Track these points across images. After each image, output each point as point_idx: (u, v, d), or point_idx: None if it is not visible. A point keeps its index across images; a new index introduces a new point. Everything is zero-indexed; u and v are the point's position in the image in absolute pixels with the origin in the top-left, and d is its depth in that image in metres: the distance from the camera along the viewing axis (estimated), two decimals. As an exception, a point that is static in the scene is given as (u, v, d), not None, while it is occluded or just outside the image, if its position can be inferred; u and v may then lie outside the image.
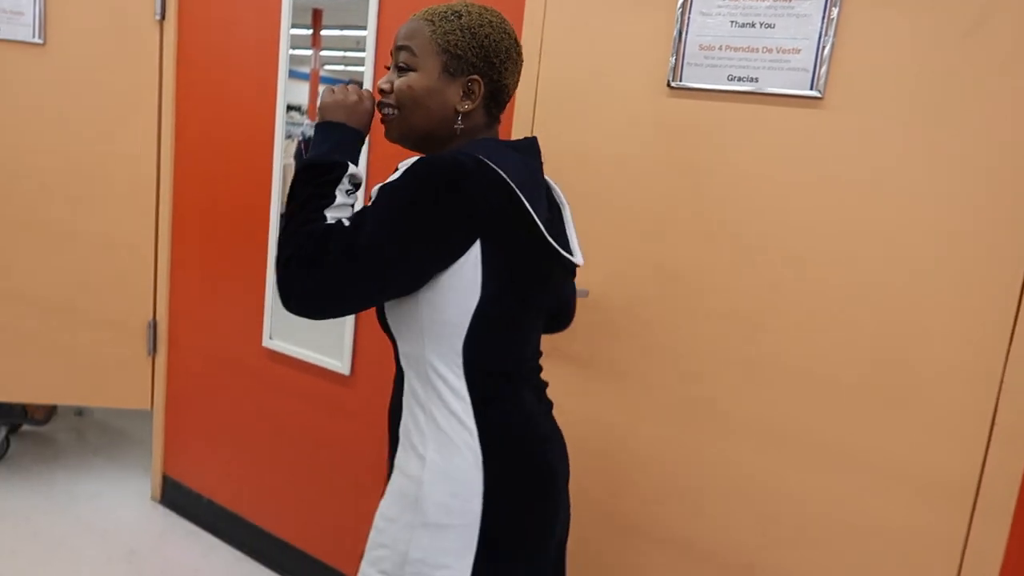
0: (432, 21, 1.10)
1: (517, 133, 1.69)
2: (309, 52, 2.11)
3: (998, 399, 1.23)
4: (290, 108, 2.20)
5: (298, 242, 1.02)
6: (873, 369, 1.33)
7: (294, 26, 2.11)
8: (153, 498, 2.64)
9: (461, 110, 1.11)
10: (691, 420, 1.52)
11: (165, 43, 2.37)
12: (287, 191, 1.13)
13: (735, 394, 1.47)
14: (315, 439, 2.18)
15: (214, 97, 2.31)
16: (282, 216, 1.09)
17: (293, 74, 2.17)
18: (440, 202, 1.00)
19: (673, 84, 1.50)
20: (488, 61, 1.11)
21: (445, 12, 1.11)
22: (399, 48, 1.12)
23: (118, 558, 2.28)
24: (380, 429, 2.00)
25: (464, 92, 1.11)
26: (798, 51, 1.38)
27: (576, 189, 1.57)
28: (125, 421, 3.26)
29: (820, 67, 1.35)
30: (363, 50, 1.96)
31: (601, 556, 1.65)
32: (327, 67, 2.12)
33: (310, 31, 2.12)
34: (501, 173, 1.03)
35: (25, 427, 3.02)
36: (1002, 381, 1.23)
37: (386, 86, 1.13)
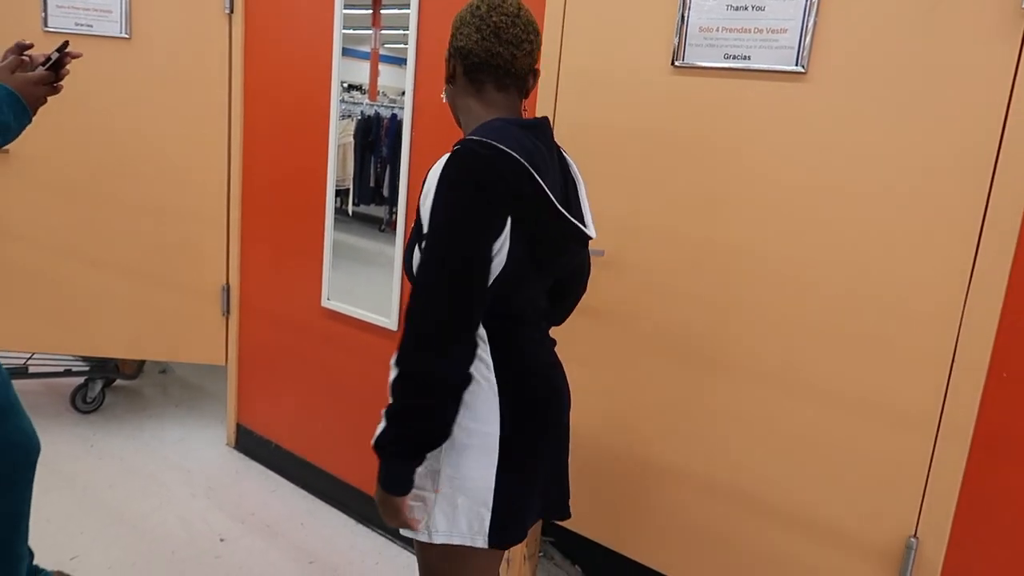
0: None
1: (541, 112, 1.88)
2: (370, 32, 2.30)
3: (957, 338, 1.38)
4: (351, 87, 2.41)
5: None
6: (850, 316, 1.49)
7: (353, 7, 2.31)
8: (228, 444, 2.95)
9: (455, 96, 1.29)
10: (687, 359, 1.70)
11: (233, 34, 2.64)
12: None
13: (726, 337, 1.64)
14: (368, 389, 2.44)
15: (277, 80, 2.56)
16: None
17: (353, 53, 2.37)
18: (475, 204, 1.11)
19: (677, 63, 1.67)
20: (453, 38, 1.26)
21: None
22: None
23: (200, 493, 2.60)
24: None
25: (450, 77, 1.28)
26: (785, 30, 1.53)
27: (594, 159, 1.76)
28: (202, 377, 3.60)
29: (804, 45, 1.51)
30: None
31: (605, 484, 1.86)
32: (387, 45, 2.29)
33: (370, 11, 2.29)
34: (512, 153, 1.12)
35: (117, 382, 3.39)
36: (960, 323, 1.38)
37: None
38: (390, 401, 1.16)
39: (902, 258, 1.43)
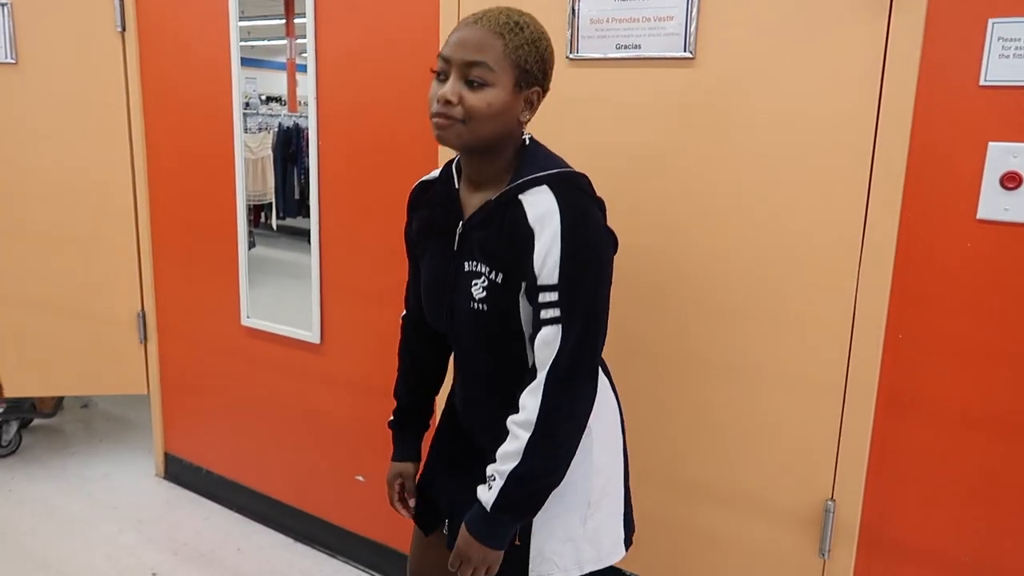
0: (503, 35, 1.10)
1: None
2: (284, 41, 2.25)
3: (855, 306, 1.43)
4: (270, 99, 2.36)
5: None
6: (754, 293, 1.53)
7: (252, 18, 2.24)
8: (157, 474, 2.86)
9: (523, 120, 1.17)
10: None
11: (128, 52, 2.55)
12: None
13: (637, 321, 1.67)
14: (295, 404, 2.40)
15: (177, 98, 2.49)
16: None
17: (270, 64, 2.31)
18: (609, 254, 1.16)
19: (571, 56, 1.69)
20: (546, 73, 1.18)
21: (510, 24, 1.12)
22: (472, 63, 1.10)
23: (128, 528, 2.51)
24: (350, 390, 2.22)
25: (526, 104, 1.16)
26: (671, 17, 1.56)
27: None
28: (127, 409, 3.48)
29: (690, 31, 1.54)
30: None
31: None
32: (303, 55, 2.20)
33: (283, 21, 2.22)
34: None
35: (35, 421, 3.25)
36: (856, 291, 1.43)
37: (454, 98, 1.11)
38: (516, 463, 1.11)
39: (796, 232, 1.47)
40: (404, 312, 1.49)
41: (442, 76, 1.14)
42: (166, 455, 2.83)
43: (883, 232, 1.39)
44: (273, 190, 2.42)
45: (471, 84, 1.11)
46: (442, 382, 1.50)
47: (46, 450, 3.06)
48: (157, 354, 2.75)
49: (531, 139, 1.22)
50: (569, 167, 1.19)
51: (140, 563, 2.31)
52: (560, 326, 1.09)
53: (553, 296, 1.09)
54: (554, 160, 1.19)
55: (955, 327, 1.37)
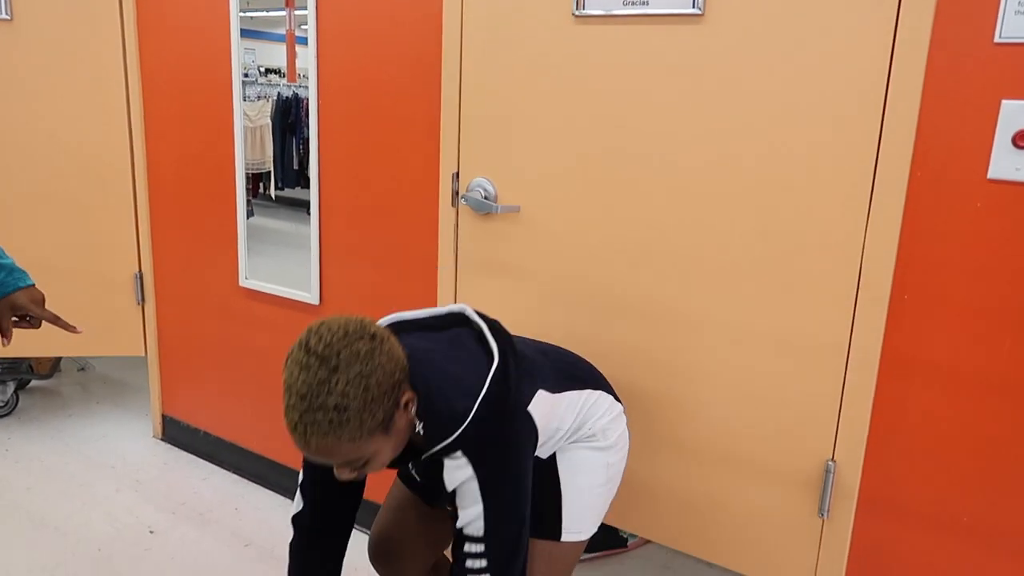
0: (337, 435, 1.05)
1: (448, 82, 1.84)
2: (284, 12, 2.21)
3: (861, 267, 1.42)
4: (268, 71, 2.33)
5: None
6: (760, 255, 1.52)
7: None
8: (154, 436, 2.86)
9: (414, 416, 1.17)
10: (602, 308, 1.71)
11: (125, 10, 2.50)
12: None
13: (639, 284, 1.66)
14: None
15: (176, 61, 2.45)
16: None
17: (268, 36, 2.28)
18: (524, 487, 1.25)
19: (578, 12, 1.66)
20: (394, 397, 1.10)
21: (334, 416, 1.04)
22: (339, 464, 1.12)
23: (126, 488, 2.51)
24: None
25: (405, 411, 1.14)
26: (680, -28, 1.53)
27: (502, 116, 1.75)
28: (124, 372, 3.47)
29: (698, -15, 1.51)
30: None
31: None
32: (303, 27, 2.18)
33: None
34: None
35: (32, 383, 3.24)
36: (863, 252, 1.41)
37: (351, 477, 1.15)
38: None
39: (805, 192, 1.46)
40: (298, 510, 1.41)
41: None
42: (163, 417, 2.83)
43: (891, 191, 1.37)
44: (271, 159, 2.39)
45: (354, 464, 1.13)
46: None
47: (43, 411, 3.05)
48: (155, 316, 2.74)
49: (419, 388, 1.18)
50: (462, 414, 1.18)
51: (138, 522, 2.31)
52: (484, 561, 1.20)
53: (479, 548, 1.20)
54: (453, 402, 1.19)
55: (962, 289, 1.36)
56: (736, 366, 1.58)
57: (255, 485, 2.56)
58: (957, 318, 1.37)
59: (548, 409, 1.32)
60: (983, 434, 1.38)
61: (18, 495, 2.43)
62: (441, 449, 1.19)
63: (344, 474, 1.14)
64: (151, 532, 2.27)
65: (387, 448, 1.14)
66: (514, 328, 1.78)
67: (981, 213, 1.33)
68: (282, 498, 2.48)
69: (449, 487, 1.21)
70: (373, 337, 1.08)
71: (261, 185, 2.41)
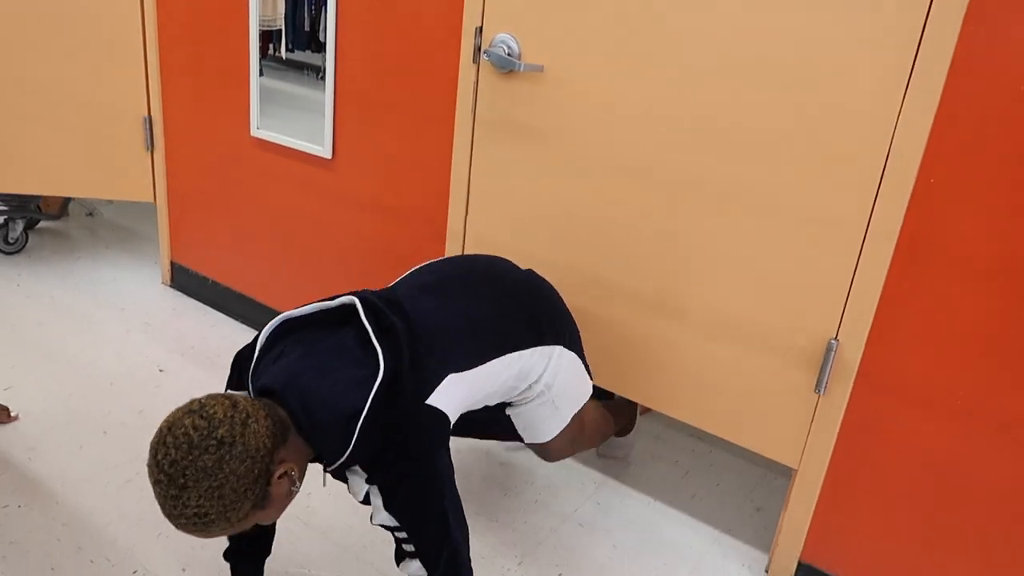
0: (208, 531, 1.07)
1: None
2: None
3: (891, 143, 1.39)
4: None
5: None
6: (785, 124, 1.48)
7: None
8: (163, 282, 2.90)
9: (296, 485, 1.16)
10: (623, 174, 1.69)
11: None
12: None
13: (662, 152, 1.63)
14: (303, 220, 2.39)
15: None
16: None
17: None
18: (433, 483, 1.26)
19: None
20: (256, 478, 1.08)
21: (192, 516, 1.05)
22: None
23: (136, 329, 2.56)
24: (359, 208, 2.20)
25: (287, 481, 1.14)
26: None
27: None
28: (132, 220, 3.48)
29: None
30: None
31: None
32: None
33: None
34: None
35: (41, 224, 3.25)
36: (895, 128, 1.38)
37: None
38: None
39: (840, 61, 1.40)
40: (226, 548, 1.49)
41: None
42: (172, 264, 2.85)
43: (934, 66, 1.32)
44: (282, 16, 2.29)
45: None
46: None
47: (53, 252, 3.07)
48: (164, 162, 2.71)
49: (299, 414, 1.17)
50: (349, 404, 1.17)
51: (147, 360, 2.38)
52: (419, 560, 1.24)
53: (403, 535, 1.23)
54: (337, 424, 1.17)
55: (992, 175, 1.33)
56: (753, 237, 1.57)
57: (262, 335, 2.61)
58: (983, 204, 1.35)
59: (464, 390, 1.32)
60: (990, 324, 1.39)
61: (31, 328, 2.49)
62: (338, 467, 1.21)
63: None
64: (161, 371, 2.33)
65: (271, 513, 1.16)
66: (525, 198, 1.77)
67: (1020, 101, 1.28)
68: (288, 349, 2.54)
69: (356, 497, 1.24)
70: (220, 443, 1.05)
71: (271, 46, 2.32)
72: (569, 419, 1.60)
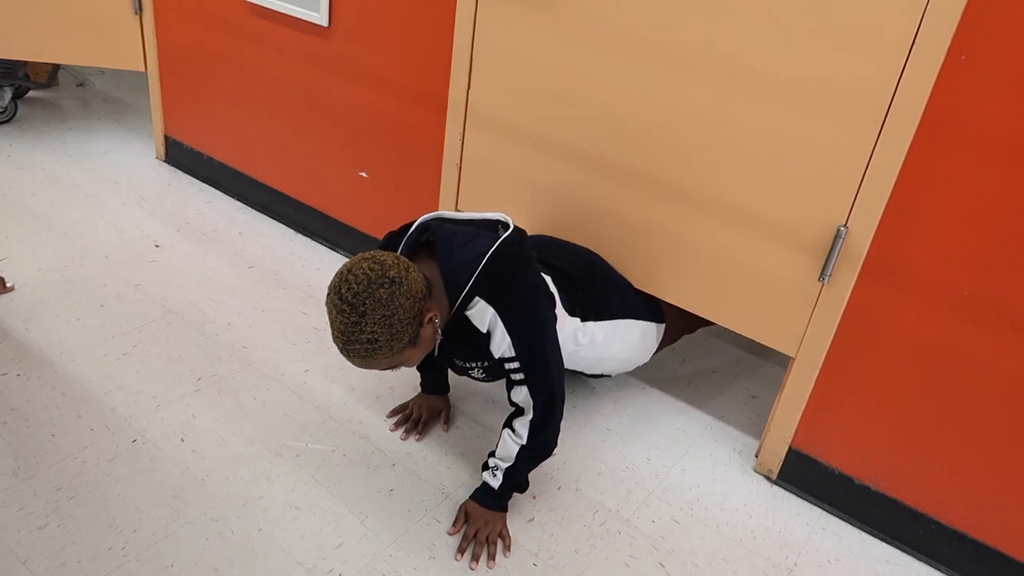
0: (373, 358, 1.30)
1: None
2: None
3: (921, 21, 1.29)
4: None
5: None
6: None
7: None
8: (157, 157, 2.83)
9: (438, 322, 1.38)
10: (640, 55, 1.60)
11: None
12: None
13: (679, 33, 1.53)
14: (299, 92, 2.29)
15: None
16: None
17: None
18: (545, 316, 1.48)
19: None
20: (415, 315, 1.31)
21: (366, 342, 1.28)
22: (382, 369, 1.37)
23: (131, 203, 2.52)
24: (357, 79, 2.11)
25: (428, 327, 1.36)
26: None
27: None
28: (125, 92, 3.37)
29: None
30: None
31: (561, 184, 1.83)
32: None
33: None
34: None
35: (31, 93, 3.15)
36: (927, 5, 1.28)
37: (391, 372, 1.49)
38: (510, 464, 1.48)
39: (879, -77, 1.29)
40: None
41: None
42: (166, 138, 2.78)
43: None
44: None
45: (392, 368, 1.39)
46: None
47: (43, 123, 2.99)
48: (153, 28, 2.58)
49: (436, 254, 1.42)
50: (481, 246, 1.40)
51: (144, 234, 2.34)
52: (526, 386, 1.43)
53: (515, 365, 1.42)
54: (464, 258, 1.39)
55: (1026, 51, 1.25)
56: (769, 116, 1.49)
57: (259, 213, 2.57)
58: (1014, 89, 1.27)
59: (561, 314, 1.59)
60: (1007, 214, 1.33)
61: (24, 198, 2.44)
62: (461, 303, 1.39)
63: (385, 370, 1.41)
64: (157, 246, 2.30)
65: (418, 353, 1.38)
66: (530, 70, 1.68)
67: (1073, -37, 1.18)
68: (284, 227, 2.50)
69: (483, 329, 1.41)
70: (392, 282, 1.27)
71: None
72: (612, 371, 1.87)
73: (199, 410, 1.69)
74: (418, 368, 1.77)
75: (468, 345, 1.46)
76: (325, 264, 2.34)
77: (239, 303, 2.09)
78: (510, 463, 1.48)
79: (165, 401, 1.71)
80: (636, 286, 1.80)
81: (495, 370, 1.51)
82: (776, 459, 1.72)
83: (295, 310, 2.10)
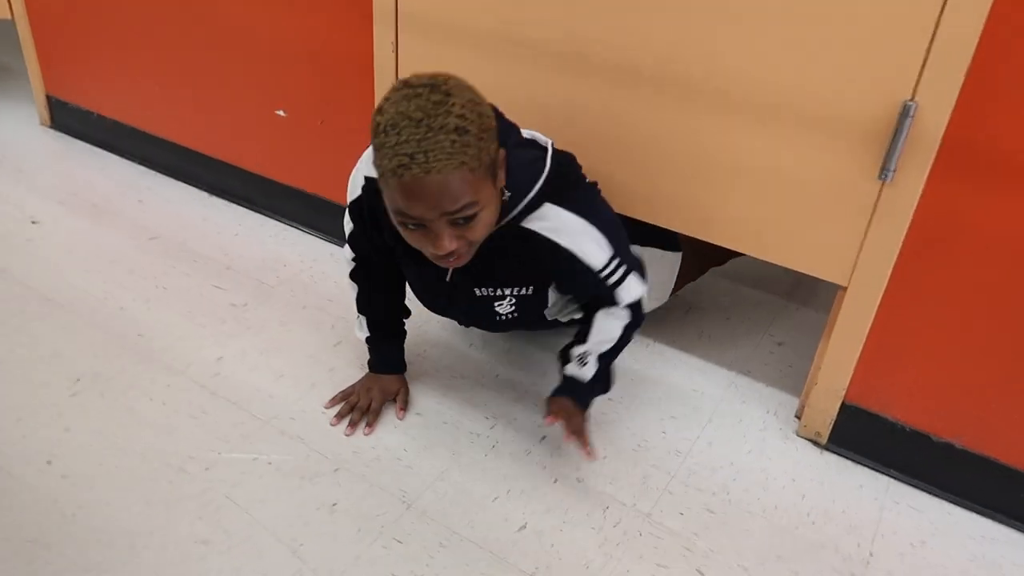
0: (463, 160, 0.93)
1: None
2: None
3: None
4: None
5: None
6: None
7: None
8: (42, 123, 2.38)
9: (504, 185, 1.07)
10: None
11: None
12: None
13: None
14: (195, 24, 1.85)
15: None
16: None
17: None
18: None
19: None
20: (493, 127, 1.00)
21: (457, 138, 0.92)
22: (455, 211, 0.97)
23: (5, 178, 2.06)
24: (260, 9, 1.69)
25: (500, 166, 1.05)
26: None
27: None
28: (4, 54, 2.89)
29: None
30: None
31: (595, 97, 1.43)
32: None
33: None
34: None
35: None
36: None
37: (453, 246, 1.00)
38: (609, 349, 1.26)
39: None
40: (352, 266, 1.34)
41: (413, 226, 1.00)
42: (48, 98, 2.32)
43: None
44: None
45: (461, 221, 0.99)
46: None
47: (-96, 95, 2.51)
48: (15, -38, 2.13)
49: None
50: (539, 160, 1.13)
51: (18, 211, 1.90)
52: (625, 275, 1.20)
53: (615, 263, 1.18)
54: (527, 168, 1.11)
55: None
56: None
57: (164, 176, 2.14)
58: None
59: None
60: None
61: None
62: (525, 207, 1.11)
63: (445, 242, 1.00)
64: (34, 223, 1.86)
65: (491, 208, 1.03)
66: None
67: None
68: (196, 190, 2.08)
69: (562, 242, 1.14)
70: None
71: None
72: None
73: (74, 421, 1.29)
74: (368, 335, 1.38)
75: (521, 262, 1.18)
76: (247, 228, 1.92)
77: (135, 282, 1.67)
78: (611, 344, 1.25)
79: (28, 413, 1.29)
80: (638, 217, 1.42)
81: (535, 301, 1.26)
82: (826, 418, 1.36)
83: (207, 284, 1.68)
